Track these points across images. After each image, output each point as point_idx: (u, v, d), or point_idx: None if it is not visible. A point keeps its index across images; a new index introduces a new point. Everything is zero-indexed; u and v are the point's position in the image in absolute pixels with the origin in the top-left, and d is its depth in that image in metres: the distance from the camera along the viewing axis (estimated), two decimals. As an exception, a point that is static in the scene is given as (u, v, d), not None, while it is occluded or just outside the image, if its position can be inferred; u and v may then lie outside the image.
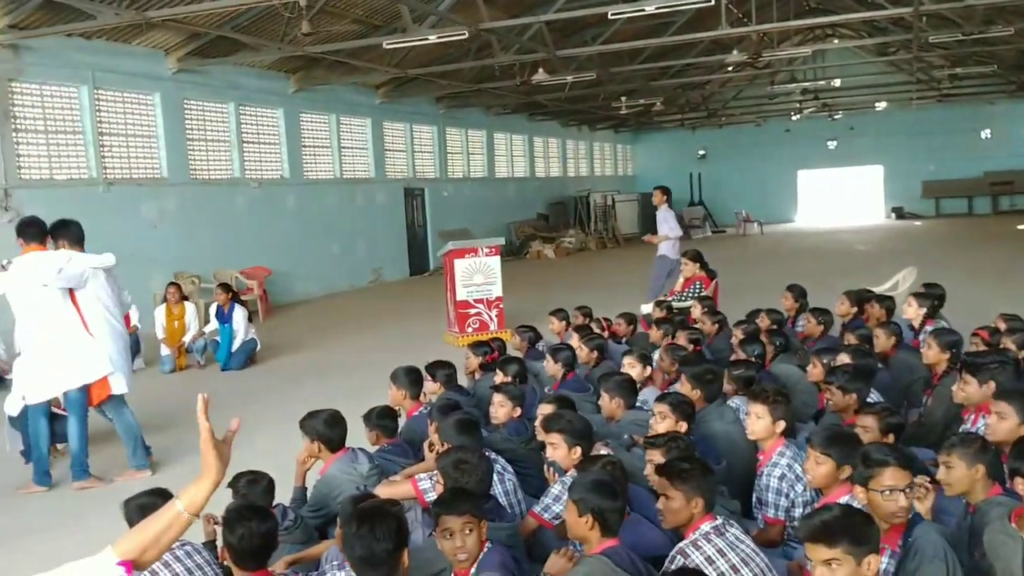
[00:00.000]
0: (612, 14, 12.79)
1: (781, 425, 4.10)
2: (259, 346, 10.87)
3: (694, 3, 12.23)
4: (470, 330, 11.24)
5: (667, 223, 11.70)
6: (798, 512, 3.89)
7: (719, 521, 3.23)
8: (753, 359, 5.83)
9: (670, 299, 9.12)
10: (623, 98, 23.59)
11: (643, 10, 12.53)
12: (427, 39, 12.91)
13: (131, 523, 3.29)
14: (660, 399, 4.55)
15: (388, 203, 20.25)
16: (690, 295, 9.27)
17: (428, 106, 21.83)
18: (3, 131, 11.46)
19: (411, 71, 17.09)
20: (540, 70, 16.54)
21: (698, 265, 9.56)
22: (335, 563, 3.32)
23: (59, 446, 6.97)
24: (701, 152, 36.17)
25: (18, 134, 11.79)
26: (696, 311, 8.00)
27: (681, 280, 9.56)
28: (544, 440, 4.19)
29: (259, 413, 8.17)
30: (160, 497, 3.34)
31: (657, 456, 3.75)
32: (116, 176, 13.28)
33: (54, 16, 11.34)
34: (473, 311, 11.35)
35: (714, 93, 29.25)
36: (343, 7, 14.05)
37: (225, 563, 3.10)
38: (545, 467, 4.31)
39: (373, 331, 12.86)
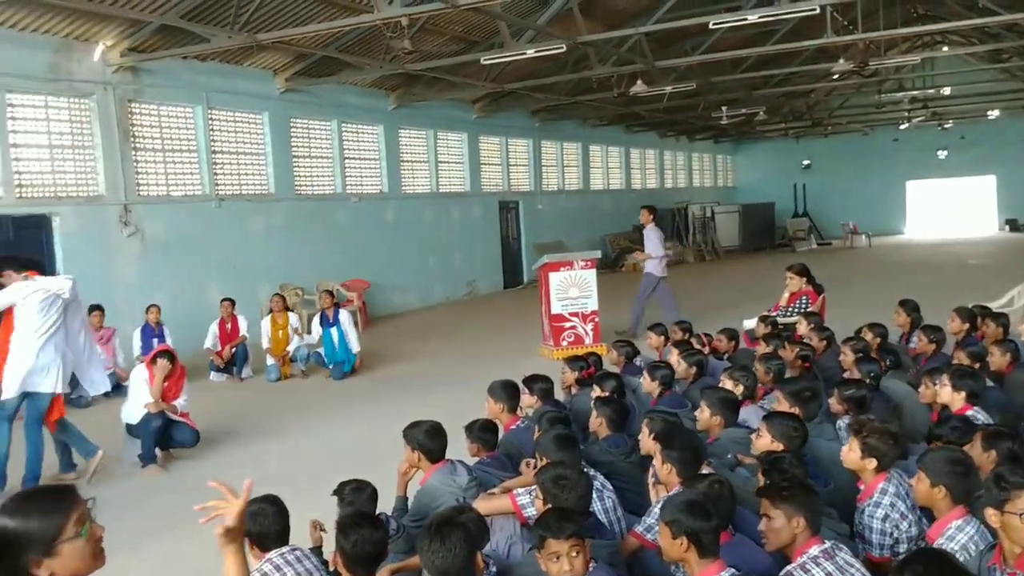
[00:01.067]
0: (713, 24, 12.59)
1: (872, 463, 3.84)
2: (360, 358, 11.09)
3: (798, 12, 11.93)
4: (565, 344, 11.19)
5: (650, 242, 12.32)
6: (903, 548, 3.69)
7: (828, 544, 3.12)
8: (868, 379, 5.58)
9: (774, 314, 8.86)
10: (724, 108, 23.19)
11: (745, 19, 12.28)
12: (525, 54, 12.99)
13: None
14: (766, 418, 4.44)
15: (483, 216, 20.45)
16: (795, 310, 9.00)
17: (523, 119, 21.97)
18: (124, 150, 12.09)
19: (508, 85, 17.23)
20: (639, 81, 16.42)
21: (804, 279, 9.26)
22: (435, 573, 3.34)
23: (171, 451, 7.29)
24: (806, 162, 35.22)
25: (137, 153, 12.43)
26: (802, 327, 7.75)
27: (786, 295, 9.28)
28: (651, 454, 4.12)
29: (361, 422, 8.34)
30: (270, 504, 3.44)
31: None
32: (227, 192, 13.84)
33: (171, 39, 11.93)
34: (568, 324, 11.31)
35: (819, 102, 28.40)
36: (443, 25, 14.29)
37: (334, 568, 3.15)
38: (649, 483, 4.24)
39: (469, 343, 12.98)
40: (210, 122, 13.52)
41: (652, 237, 12.38)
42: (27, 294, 6.44)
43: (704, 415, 4.95)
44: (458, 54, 14.70)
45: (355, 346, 10.78)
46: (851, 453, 3.92)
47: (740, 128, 30.62)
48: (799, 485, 3.28)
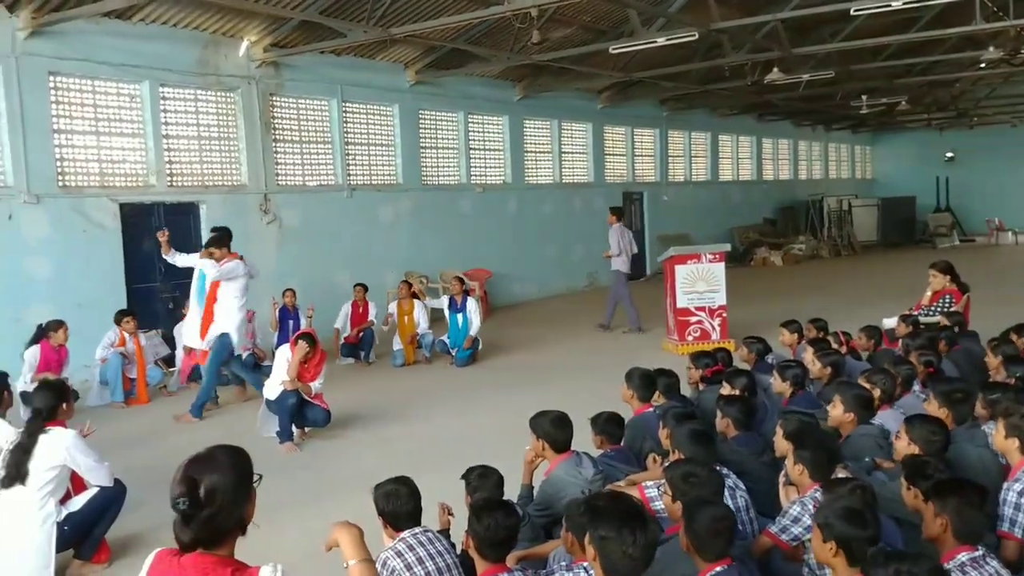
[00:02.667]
0: (855, 10, 12.01)
1: (1015, 443, 3.89)
2: (481, 345, 11.25)
3: (946, -2, 11.27)
4: (690, 339, 10.99)
5: (612, 240, 13.25)
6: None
7: (979, 552, 2.99)
8: (1016, 380, 5.23)
9: (916, 313, 8.41)
10: (863, 97, 22.13)
11: (889, 5, 11.66)
12: (655, 42, 12.77)
13: (377, 507, 3.50)
14: (907, 421, 4.25)
15: (606, 207, 20.15)
16: (938, 309, 8.51)
17: (651, 109, 21.64)
18: (265, 142, 12.66)
19: (636, 75, 17.00)
20: (775, 69, 15.88)
21: (948, 277, 8.74)
22: (563, 564, 3.35)
23: (305, 429, 7.60)
24: (949, 154, 33.18)
25: (277, 144, 12.99)
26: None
27: (929, 293, 8.79)
28: (784, 455, 4.00)
29: (482, 409, 8.44)
30: (403, 485, 3.53)
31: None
32: (358, 182, 14.28)
33: (310, 35, 12.39)
34: (694, 319, 11.08)
35: (965, 91, 26.65)
36: (571, 14, 14.23)
37: (464, 551, 3.20)
38: (780, 485, 4.12)
39: (587, 335, 12.91)
40: (344, 114, 13.97)
41: (613, 237, 13.27)
42: (241, 272, 8.44)
43: (837, 411, 4.81)
44: (586, 43, 14.60)
45: (473, 330, 10.91)
46: (998, 435, 3.99)
47: (880, 118, 29.15)
48: (952, 487, 3.22)
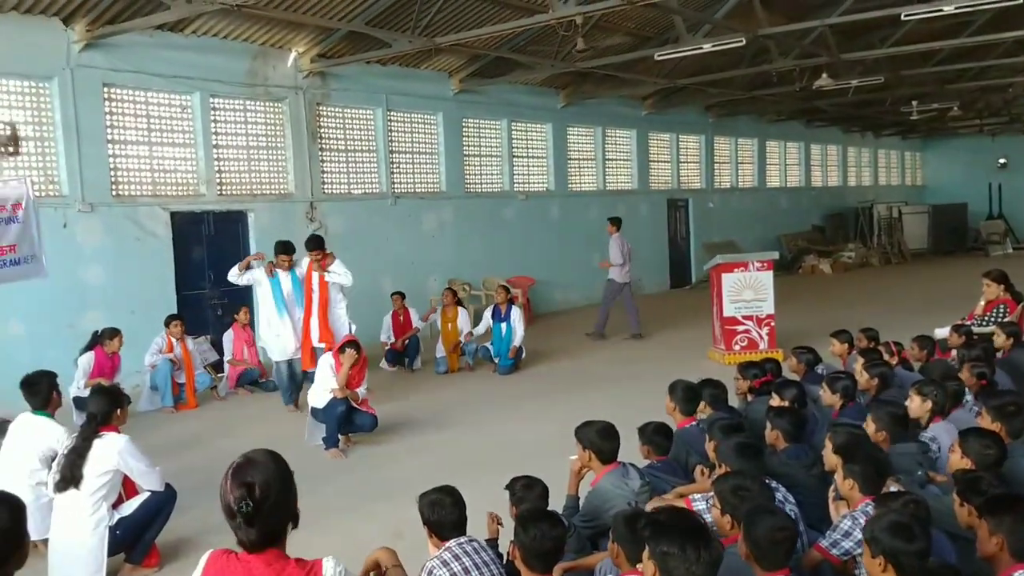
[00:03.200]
0: (905, 15, 11.77)
1: None
2: (525, 353, 11.23)
3: (999, 2, 10.97)
4: (737, 348, 10.86)
5: (612, 251, 13.32)
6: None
7: None
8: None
9: (969, 323, 8.19)
10: (914, 103, 21.68)
11: (940, 10, 11.42)
12: (701, 48, 12.67)
13: (422, 515, 3.51)
14: (962, 434, 4.14)
15: (650, 214, 20.16)
16: (992, 319, 8.28)
17: (696, 115, 21.47)
18: (312, 150, 12.82)
19: (681, 81, 16.89)
20: (823, 75, 15.64)
21: (1002, 287, 8.50)
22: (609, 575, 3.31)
23: (351, 435, 7.65)
24: (1002, 161, 32.35)
25: (323, 153, 13.15)
26: (999, 339, 7.13)
27: (982, 303, 8.55)
28: (834, 469, 3.92)
29: (525, 417, 8.42)
30: (448, 494, 3.53)
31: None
32: (402, 190, 14.38)
33: (356, 45, 12.52)
34: (741, 328, 10.95)
35: (1018, 96, 25.99)
36: (616, 21, 14.18)
37: (510, 561, 3.18)
38: (830, 500, 4.04)
39: (633, 344, 12.82)
40: (389, 123, 14.09)
41: (614, 247, 13.31)
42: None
43: (870, 429, 4.69)
44: (631, 50, 14.55)
45: (517, 340, 10.90)
46: None
47: (931, 124, 28.56)
48: (1007, 503, 3.11)
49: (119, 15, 9.94)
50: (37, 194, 9.79)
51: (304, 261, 9.02)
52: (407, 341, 11.35)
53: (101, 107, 10.41)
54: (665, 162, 21.00)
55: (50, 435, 5.20)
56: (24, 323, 9.59)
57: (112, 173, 10.59)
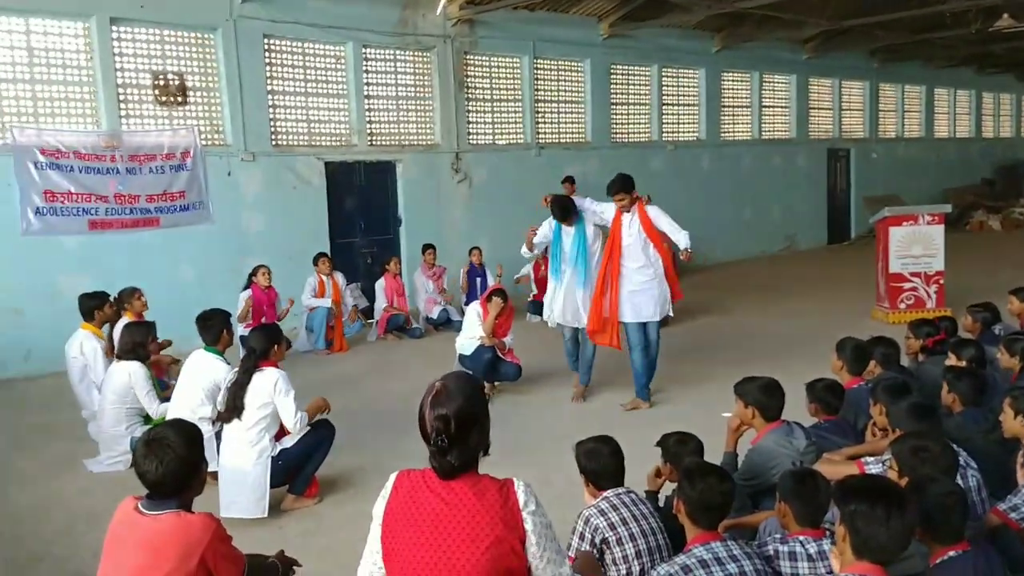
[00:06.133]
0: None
1: None
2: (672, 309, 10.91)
3: None
4: (903, 306, 10.23)
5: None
6: None
7: None
8: None
9: None
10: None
11: None
12: (869, -16, 11.73)
13: (579, 464, 3.41)
14: None
15: (808, 165, 19.13)
16: None
17: (860, 60, 20.06)
18: (458, 100, 12.84)
19: (845, 23, 15.76)
20: (1004, 16, 14.20)
21: None
22: (776, 536, 3.13)
23: (496, 384, 7.68)
24: None
25: (469, 103, 13.14)
26: None
27: None
28: (1016, 436, 3.56)
29: (673, 375, 8.19)
30: (605, 444, 3.41)
31: None
32: (546, 140, 14.22)
33: (505, -10, 12.36)
34: (908, 285, 10.28)
35: None
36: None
37: (676, 516, 3.04)
38: (1018, 465, 3.68)
39: (787, 300, 12.26)
40: (535, 71, 13.90)
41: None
42: None
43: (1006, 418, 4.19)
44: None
45: None
46: None
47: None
48: None
49: (279, -34, 10.20)
50: (204, 143, 10.32)
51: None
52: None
53: (262, 58, 10.75)
54: (826, 110, 19.81)
55: (217, 371, 5.45)
56: (192, 266, 10.16)
57: (271, 123, 10.97)
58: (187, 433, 2.80)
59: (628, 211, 7.04)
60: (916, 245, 10.17)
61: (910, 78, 21.91)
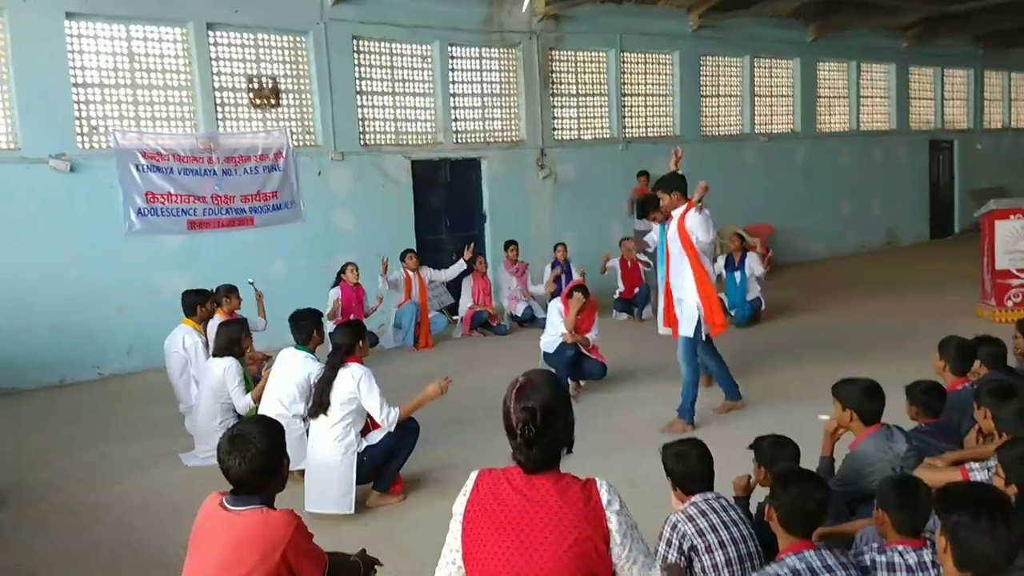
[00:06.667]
0: None
1: None
2: (764, 305, 10.64)
3: None
4: (1010, 304, 9.77)
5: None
6: None
7: None
8: None
9: None
10: None
11: None
12: (976, -35, 11.12)
13: (666, 466, 3.31)
14: None
15: (909, 157, 18.33)
16: None
17: (964, 47, 19.09)
18: (543, 96, 12.78)
19: (948, 8, 15.01)
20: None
21: None
22: (874, 545, 2.97)
23: (581, 382, 7.59)
24: None
25: (554, 98, 13.06)
26: None
27: None
28: None
29: (764, 374, 7.96)
30: (695, 446, 3.31)
31: None
32: (633, 134, 14.02)
33: (589, -17, 12.23)
34: (1016, 282, 9.81)
35: None
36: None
37: (768, 523, 2.92)
38: None
39: (887, 297, 11.76)
40: (622, 65, 13.72)
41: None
42: None
43: None
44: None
45: (751, 294, 10.38)
46: None
47: None
48: None
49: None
50: (295, 144, 10.56)
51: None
52: (637, 289, 11.12)
53: (351, 59, 10.93)
54: (928, 99, 18.94)
55: (307, 368, 5.51)
56: (285, 263, 10.41)
57: (360, 123, 11.15)
58: (270, 429, 2.82)
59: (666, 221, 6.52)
60: (1025, 240, 9.63)
61: (1018, 65, 20.73)
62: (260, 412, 5.45)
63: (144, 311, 9.19)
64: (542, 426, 2.25)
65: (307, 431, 5.31)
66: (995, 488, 2.65)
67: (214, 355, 6.23)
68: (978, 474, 3.48)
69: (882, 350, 8.33)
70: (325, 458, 4.98)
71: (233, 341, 6.15)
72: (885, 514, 2.95)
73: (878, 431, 3.82)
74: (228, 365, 6.04)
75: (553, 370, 7.32)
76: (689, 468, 3.28)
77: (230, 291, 7.49)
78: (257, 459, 2.72)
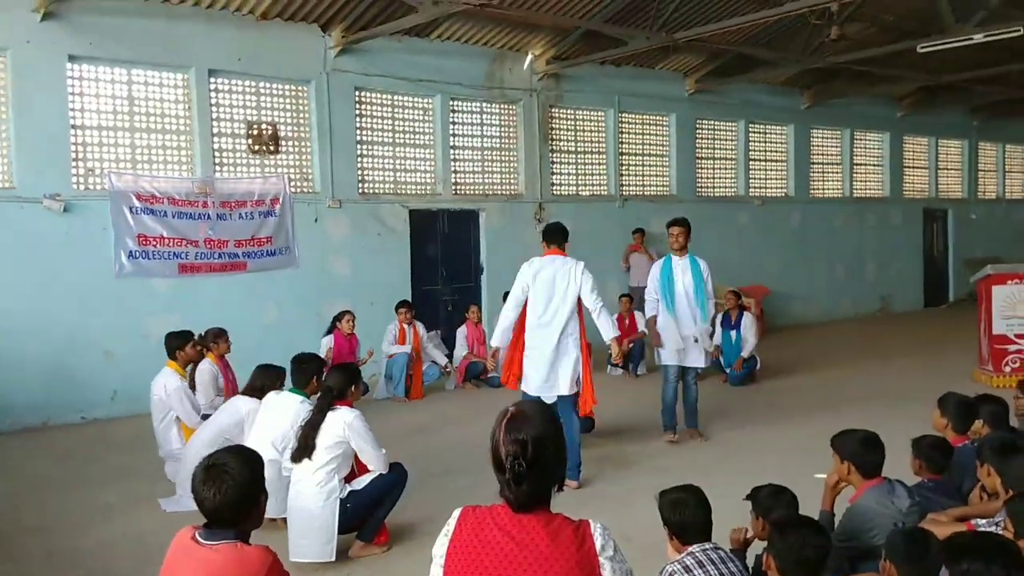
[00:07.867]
0: None
1: None
2: (759, 364, 10.55)
3: None
4: (1008, 369, 9.67)
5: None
6: None
7: None
8: None
9: None
10: None
11: None
12: (971, 40, 11.32)
13: (662, 515, 3.18)
14: None
15: (903, 225, 18.45)
16: None
17: (958, 117, 19.41)
18: (542, 152, 12.87)
19: (944, 78, 15.26)
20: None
21: None
22: (879, 604, 2.82)
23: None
24: None
25: (553, 154, 13.16)
26: None
27: None
28: None
29: (758, 432, 7.83)
30: (691, 494, 3.18)
31: None
32: (630, 192, 14.09)
33: (592, 46, 12.41)
34: (1013, 348, 9.72)
35: None
36: (874, 11, 13.00)
37: (766, 573, 2.78)
38: None
39: (882, 361, 11.68)
40: (619, 124, 13.86)
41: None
42: None
43: None
44: (889, 43, 13.30)
45: (747, 350, 10.29)
46: None
47: None
48: None
49: (372, 20, 10.47)
50: (293, 191, 10.55)
51: None
52: (631, 345, 11.02)
53: (352, 110, 11.00)
54: (922, 168, 19.17)
55: (298, 413, 5.27)
56: (278, 309, 10.31)
57: (359, 172, 11.17)
58: (249, 460, 2.70)
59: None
60: (1022, 305, 9.59)
61: (1012, 136, 21.06)
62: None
63: (132, 356, 9.03)
64: (533, 458, 2.09)
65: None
66: (1003, 536, 2.55)
67: (243, 393, 5.99)
68: (986, 529, 3.36)
69: (881, 408, 8.25)
70: (306, 503, 4.81)
71: (267, 387, 5.80)
72: (892, 566, 2.83)
73: (880, 485, 3.70)
74: (253, 407, 5.74)
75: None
76: (686, 517, 3.14)
77: (219, 335, 7.37)
78: (233, 491, 2.58)
